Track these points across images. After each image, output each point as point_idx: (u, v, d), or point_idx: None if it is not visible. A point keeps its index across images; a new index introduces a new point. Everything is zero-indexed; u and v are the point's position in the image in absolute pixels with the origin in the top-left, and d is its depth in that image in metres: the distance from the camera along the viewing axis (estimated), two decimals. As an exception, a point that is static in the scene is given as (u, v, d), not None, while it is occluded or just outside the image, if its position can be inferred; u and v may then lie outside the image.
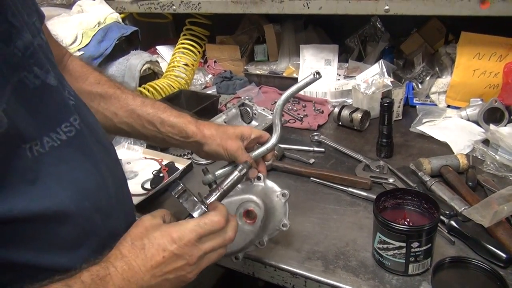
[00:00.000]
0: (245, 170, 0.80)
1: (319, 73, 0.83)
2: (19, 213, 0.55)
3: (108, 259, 0.59)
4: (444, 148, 1.31)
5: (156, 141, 0.93)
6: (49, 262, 0.59)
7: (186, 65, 1.88)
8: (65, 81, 0.68)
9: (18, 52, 0.56)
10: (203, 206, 0.68)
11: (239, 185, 0.86)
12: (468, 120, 1.42)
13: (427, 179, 1.11)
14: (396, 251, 0.84)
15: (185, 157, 1.37)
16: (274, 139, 0.93)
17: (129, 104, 0.88)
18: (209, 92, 1.90)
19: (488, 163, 1.19)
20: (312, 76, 0.84)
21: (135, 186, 1.24)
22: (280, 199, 0.88)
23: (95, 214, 0.65)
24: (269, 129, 1.47)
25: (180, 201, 0.67)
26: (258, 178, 0.89)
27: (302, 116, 1.59)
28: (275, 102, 1.70)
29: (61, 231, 0.60)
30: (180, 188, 0.68)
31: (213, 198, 0.74)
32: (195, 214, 0.66)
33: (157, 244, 0.61)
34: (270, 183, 0.89)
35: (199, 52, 1.93)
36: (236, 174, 0.79)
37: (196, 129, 0.89)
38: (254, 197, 0.82)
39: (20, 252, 0.57)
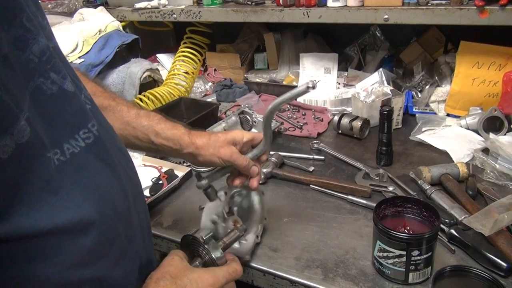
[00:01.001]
0: (243, 232, 0.88)
1: (315, 86, 0.77)
2: (45, 226, 0.52)
3: None
4: (443, 156, 1.31)
5: (150, 151, 0.96)
6: (74, 276, 0.57)
7: (186, 73, 1.89)
8: (81, 83, 0.66)
9: (35, 57, 0.54)
10: (222, 251, 0.79)
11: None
12: (468, 128, 1.42)
13: (427, 187, 1.11)
14: (396, 260, 0.84)
15: (185, 164, 1.37)
16: (263, 145, 0.94)
17: (123, 116, 0.90)
18: (209, 100, 1.90)
19: (488, 171, 1.18)
20: (304, 87, 0.77)
21: (134, 193, 1.24)
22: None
23: (117, 221, 0.63)
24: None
25: (206, 246, 0.78)
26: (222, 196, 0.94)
27: (301, 124, 1.59)
28: (275, 110, 1.71)
29: (86, 242, 0.58)
30: (210, 234, 0.80)
31: (220, 248, 0.81)
32: (214, 255, 0.77)
33: (196, 285, 0.70)
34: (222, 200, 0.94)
35: (199, 60, 1.94)
36: (237, 234, 0.86)
37: (189, 141, 0.91)
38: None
39: (45, 268, 0.55)
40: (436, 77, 1.60)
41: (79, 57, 1.68)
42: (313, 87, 0.76)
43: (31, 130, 0.50)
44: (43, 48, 0.55)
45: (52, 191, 0.54)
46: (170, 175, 1.32)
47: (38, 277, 0.54)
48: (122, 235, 0.65)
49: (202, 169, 1.31)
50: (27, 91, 0.52)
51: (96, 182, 0.60)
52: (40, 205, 0.52)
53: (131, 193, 0.69)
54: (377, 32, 1.82)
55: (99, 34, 1.80)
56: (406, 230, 0.89)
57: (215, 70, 2.10)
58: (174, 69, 1.90)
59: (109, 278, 0.63)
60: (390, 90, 1.51)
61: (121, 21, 1.92)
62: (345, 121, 1.48)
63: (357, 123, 1.45)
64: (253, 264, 0.96)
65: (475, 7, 1.25)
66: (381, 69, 1.61)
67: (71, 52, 1.70)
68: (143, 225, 0.75)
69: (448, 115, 1.54)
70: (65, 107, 0.58)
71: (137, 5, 1.85)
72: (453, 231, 0.95)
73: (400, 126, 1.53)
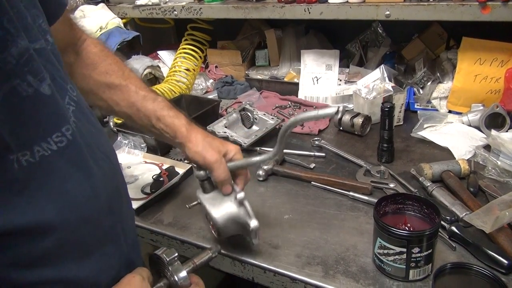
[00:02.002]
0: (216, 254, 0.85)
1: (342, 111, 0.79)
2: (2, 226, 0.53)
3: None
4: (445, 153, 1.30)
5: (149, 133, 1.00)
6: (33, 276, 0.58)
7: (187, 70, 1.88)
8: (69, 84, 0.67)
9: (12, 59, 0.54)
10: (186, 273, 0.75)
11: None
12: (470, 125, 1.42)
13: (428, 184, 1.11)
14: (396, 257, 0.84)
15: (186, 161, 1.37)
16: (272, 153, 0.91)
17: (131, 96, 0.93)
18: (210, 97, 1.89)
19: (490, 168, 1.18)
20: (332, 110, 0.79)
21: (135, 191, 1.24)
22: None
23: (82, 225, 0.64)
24: (270, 135, 1.48)
25: (169, 267, 0.75)
26: (240, 203, 0.89)
27: (303, 121, 1.59)
28: (276, 107, 1.71)
29: (44, 244, 0.58)
30: (175, 255, 0.77)
31: (187, 268, 0.78)
32: (177, 276, 0.74)
33: None
34: (243, 211, 0.90)
35: (200, 57, 1.93)
36: (209, 255, 0.83)
37: (185, 133, 0.92)
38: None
39: (2, 269, 0.55)
40: (438, 74, 1.59)
41: (80, 54, 1.68)
42: (340, 113, 0.78)
43: None
44: (22, 50, 0.55)
45: (15, 192, 0.54)
46: (171, 172, 1.32)
47: None
48: (88, 238, 0.65)
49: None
50: (0, 92, 0.52)
51: (63, 186, 0.60)
52: (1, 205, 0.52)
53: (107, 196, 0.69)
54: (378, 29, 1.81)
55: (100, 31, 1.80)
56: (406, 227, 0.88)
57: (216, 67, 2.09)
58: (175, 66, 1.90)
59: (74, 279, 0.63)
60: (392, 86, 1.50)
61: (122, 18, 1.92)
62: (346, 118, 1.47)
63: (359, 120, 1.45)
64: (254, 261, 0.96)
65: (477, 3, 1.24)
66: (382, 66, 1.61)
67: (72, 49, 1.70)
68: (124, 226, 0.75)
69: (450, 111, 1.53)
70: (39, 110, 0.58)
71: (138, 2, 1.84)
72: (454, 228, 0.94)
73: (401, 123, 1.52)
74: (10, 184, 0.54)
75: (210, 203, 0.92)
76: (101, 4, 1.91)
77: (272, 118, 1.52)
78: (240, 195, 0.89)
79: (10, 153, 0.53)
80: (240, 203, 0.89)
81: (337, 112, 0.78)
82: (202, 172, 0.92)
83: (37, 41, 0.60)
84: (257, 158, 0.93)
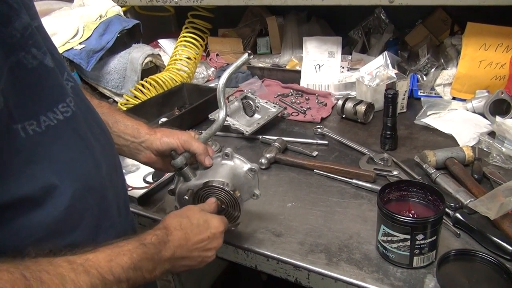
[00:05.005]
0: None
1: (251, 53, 0.91)
2: (15, 196, 0.54)
3: (169, 227, 0.74)
4: (449, 140, 1.29)
5: None
6: (47, 246, 0.58)
7: (189, 58, 1.87)
8: (65, 63, 0.70)
9: (17, 33, 0.56)
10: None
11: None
12: (474, 112, 1.40)
13: (432, 171, 1.10)
14: (400, 244, 0.83)
15: (151, 176, 1.34)
16: (222, 115, 0.93)
17: None
18: (211, 85, 1.88)
19: (494, 155, 1.17)
20: (246, 56, 0.91)
21: (136, 179, 1.24)
22: (249, 175, 0.92)
23: (88, 194, 0.66)
24: (272, 123, 1.47)
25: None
26: (227, 155, 0.92)
27: (305, 109, 1.58)
28: (278, 95, 1.70)
29: (55, 213, 0.60)
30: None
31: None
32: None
33: (207, 225, 0.78)
34: (238, 160, 0.93)
35: (201, 45, 1.92)
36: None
37: (149, 131, 0.94)
38: (223, 181, 0.89)
39: (17, 239, 0.57)
40: (442, 60, 1.57)
41: (80, 43, 1.67)
42: (251, 54, 0.91)
43: (4, 101, 0.53)
44: (26, 25, 0.58)
45: (23, 161, 0.56)
46: (173, 161, 1.31)
47: (12, 248, 0.55)
48: (94, 208, 0.67)
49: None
50: (6, 64, 0.54)
51: (69, 155, 0.63)
52: (10, 174, 0.54)
53: (107, 168, 0.71)
54: (381, 15, 1.79)
55: (99, 19, 1.78)
56: (410, 214, 0.88)
57: (217, 55, 2.08)
58: (176, 54, 1.88)
59: None
60: (395, 73, 1.48)
61: (121, 6, 1.90)
62: (349, 105, 1.46)
63: (361, 108, 1.43)
64: (257, 249, 0.95)
65: (482, -13, 1.22)
66: (385, 52, 1.59)
67: (71, 38, 1.68)
68: (119, 201, 0.78)
69: (454, 98, 1.52)
70: (45, 81, 0.61)
71: (138, -10, 1.82)
72: (458, 215, 0.94)
73: (405, 110, 1.51)
74: (18, 153, 0.55)
75: (206, 178, 0.90)
76: (101, -8, 1.89)
77: (274, 106, 1.50)
78: (228, 149, 0.92)
79: (14, 123, 0.55)
80: (231, 156, 0.92)
81: (249, 54, 0.90)
82: (179, 158, 0.90)
83: (35, 19, 0.62)
84: (214, 125, 0.94)
